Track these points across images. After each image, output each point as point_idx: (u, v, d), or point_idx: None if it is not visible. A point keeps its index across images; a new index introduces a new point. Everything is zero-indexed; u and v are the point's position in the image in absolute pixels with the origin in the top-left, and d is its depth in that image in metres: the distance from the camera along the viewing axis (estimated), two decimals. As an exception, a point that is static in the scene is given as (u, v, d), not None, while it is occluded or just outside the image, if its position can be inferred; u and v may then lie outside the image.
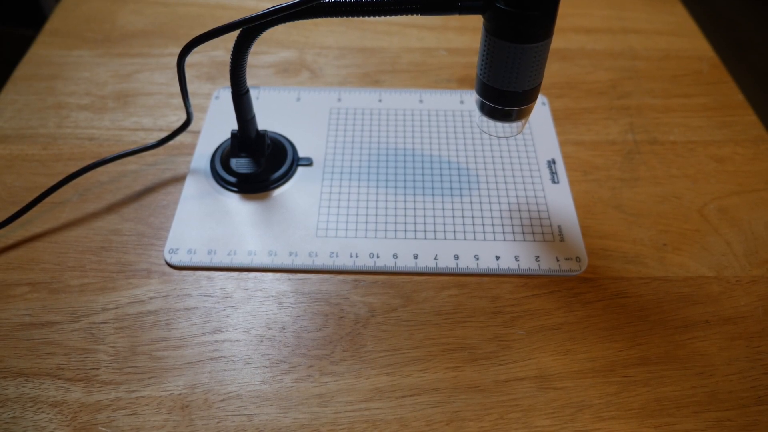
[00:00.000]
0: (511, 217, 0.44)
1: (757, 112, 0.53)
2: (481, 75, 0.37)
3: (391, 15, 0.35)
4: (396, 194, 0.45)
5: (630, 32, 0.61)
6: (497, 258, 0.41)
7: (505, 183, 0.46)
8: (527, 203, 0.45)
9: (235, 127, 0.44)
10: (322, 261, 0.41)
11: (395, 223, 0.43)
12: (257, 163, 0.45)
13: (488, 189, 0.46)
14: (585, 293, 0.40)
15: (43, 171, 0.46)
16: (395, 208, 0.44)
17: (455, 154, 0.48)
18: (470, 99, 0.53)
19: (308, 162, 0.47)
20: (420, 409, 0.35)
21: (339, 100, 0.53)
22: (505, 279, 0.41)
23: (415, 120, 0.51)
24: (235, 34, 0.37)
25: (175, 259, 0.41)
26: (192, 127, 0.49)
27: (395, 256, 0.41)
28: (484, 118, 0.39)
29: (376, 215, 0.44)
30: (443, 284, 0.40)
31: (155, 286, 0.40)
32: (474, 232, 0.43)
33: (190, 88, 0.52)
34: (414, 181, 0.46)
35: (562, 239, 0.43)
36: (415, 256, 0.41)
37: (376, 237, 0.42)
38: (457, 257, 0.41)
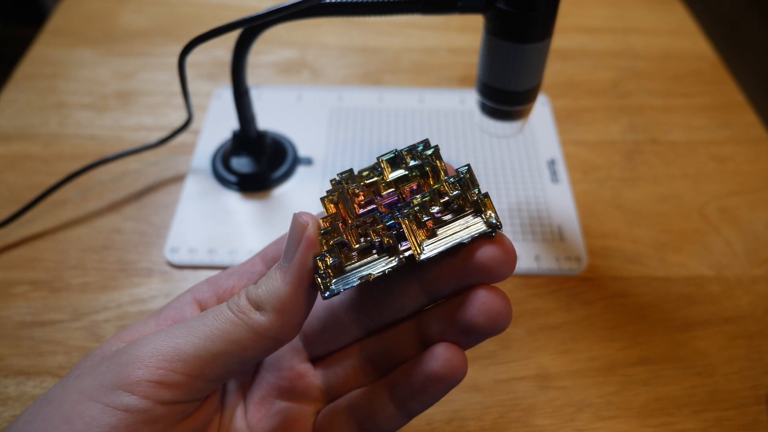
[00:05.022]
0: (510, 217, 0.44)
1: (757, 112, 0.53)
2: (482, 75, 0.37)
3: (392, 15, 0.35)
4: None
5: (630, 32, 0.61)
6: (497, 257, 0.41)
7: (505, 182, 0.46)
8: (527, 203, 0.45)
9: (236, 126, 0.45)
10: (323, 260, 0.41)
11: (396, 222, 0.43)
12: (258, 162, 0.45)
13: (488, 189, 0.46)
14: (585, 292, 0.40)
15: (44, 170, 0.46)
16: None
17: (455, 153, 0.48)
18: (471, 99, 0.53)
19: (309, 161, 0.47)
20: (420, 407, 0.35)
21: (340, 99, 0.53)
22: (505, 278, 0.41)
23: (416, 120, 0.51)
24: (236, 33, 0.37)
25: (176, 258, 0.41)
26: (193, 126, 0.50)
27: (396, 255, 0.41)
28: (485, 118, 0.39)
29: (377, 214, 0.44)
30: (443, 283, 0.40)
31: (156, 284, 0.40)
32: (474, 231, 0.43)
33: (191, 87, 0.52)
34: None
35: (562, 239, 0.43)
36: (416, 256, 0.41)
37: (376, 236, 0.42)
38: (457, 256, 0.41)
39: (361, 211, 0.22)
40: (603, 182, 0.47)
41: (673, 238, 0.43)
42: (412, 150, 0.22)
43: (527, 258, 0.41)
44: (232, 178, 0.45)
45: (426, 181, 0.22)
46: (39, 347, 0.37)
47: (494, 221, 0.20)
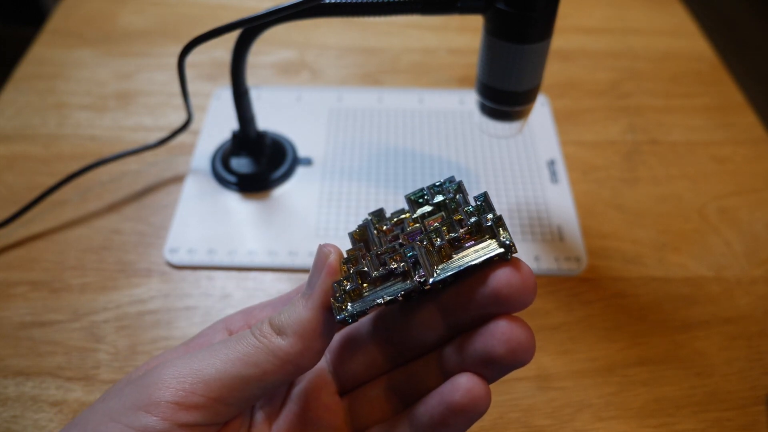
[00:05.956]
0: (510, 217, 0.44)
1: (757, 113, 0.53)
2: (481, 75, 0.37)
3: (391, 15, 0.35)
4: (396, 194, 0.45)
5: (630, 32, 0.61)
6: (497, 258, 0.41)
7: (505, 183, 0.46)
8: (527, 203, 0.45)
9: (236, 126, 0.45)
10: (322, 260, 0.41)
11: (395, 222, 0.43)
12: (257, 162, 0.45)
13: (488, 189, 0.46)
14: (584, 293, 0.40)
15: (44, 170, 0.46)
16: (395, 208, 0.44)
17: (455, 154, 0.48)
18: (470, 99, 0.53)
19: (308, 162, 0.47)
20: (420, 408, 0.35)
21: (339, 99, 0.53)
22: (504, 279, 0.41)
23: (415, 120, 0.51)
24: (236, 33, 0.37)
25: (175, 259, 0.41)
26: (192, 126, 0.50)
27: (395, 255, 0.41)
28: (484, 118, 0.39)
29: (376, 215, 0.44)
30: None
31: (156, 285, 0.40)
32: (474, 231, 0.43)
33: (190, 87, 0.52)
34: (414, 180, 0.46)
35: (562, 239, 0.43)
36: (415, 256, 0.41)
37: (376, 237, 0.42)
38: (457, 257, 0.41)
39: (386, 244, 0.22)
40: (603, 182, 0.47)
41: (672, 239, 0.43)
42: (437, 187, 0.23)
43: (527, 258, 0.41)
44: (231, 178, 0.45)
45: (449, 214, 0.22)
46: (38, 348, 0.36)
47: (507, 242, 0.20)
